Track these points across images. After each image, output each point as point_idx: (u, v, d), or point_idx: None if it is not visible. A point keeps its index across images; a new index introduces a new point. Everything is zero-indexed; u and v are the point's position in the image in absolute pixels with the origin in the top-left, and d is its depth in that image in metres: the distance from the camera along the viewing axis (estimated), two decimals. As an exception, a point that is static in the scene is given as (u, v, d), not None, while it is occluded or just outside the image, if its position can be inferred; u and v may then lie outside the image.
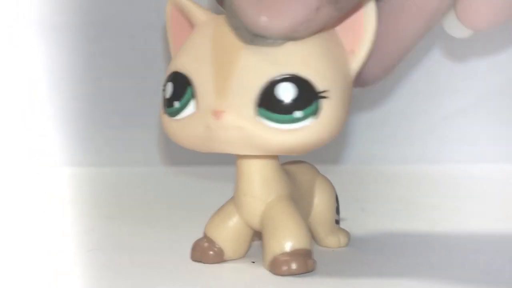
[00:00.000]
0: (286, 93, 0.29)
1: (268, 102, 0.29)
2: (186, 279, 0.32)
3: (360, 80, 0.33)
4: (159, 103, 0.33)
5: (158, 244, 0.38)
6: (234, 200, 0.33)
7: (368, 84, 0.34)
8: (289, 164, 0.35)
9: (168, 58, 0.59)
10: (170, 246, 0.37)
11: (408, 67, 0.60)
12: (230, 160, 0.34)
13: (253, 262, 0.34)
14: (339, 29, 0.31)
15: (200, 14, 0.32)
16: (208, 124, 0.30)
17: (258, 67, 0.29)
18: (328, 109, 0.29)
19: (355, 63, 0.31)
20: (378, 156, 0.60)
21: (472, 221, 0.45)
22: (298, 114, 0.29)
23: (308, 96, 0.29)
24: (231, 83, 0.29)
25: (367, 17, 0.30)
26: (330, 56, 0.30)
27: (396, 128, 0.60)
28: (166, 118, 0.31)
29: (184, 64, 0.31)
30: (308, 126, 0.29)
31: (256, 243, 0.36)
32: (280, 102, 0.29)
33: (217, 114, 0.29)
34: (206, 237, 0.34)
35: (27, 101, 0.59)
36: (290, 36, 0.29)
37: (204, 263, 0.33)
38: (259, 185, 0.32)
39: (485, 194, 0.52)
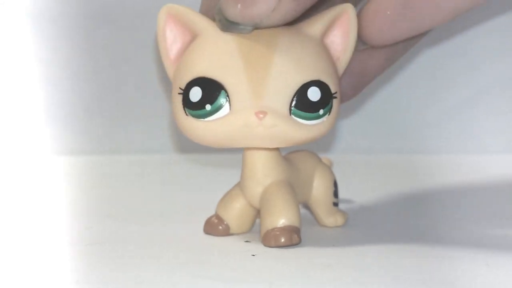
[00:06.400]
0: (315, 94, 0.35)
1: (301, 103, 0.34)
2: (155, 256, 0.36)
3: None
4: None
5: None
6: (240, 184, 0.38)
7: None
8: (293, 153, 0.40)
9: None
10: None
11: (409, 59, 0.60)
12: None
13: (247, 241, 0.38)
14: (328, 41, 0.36)
15: (203, 22, 0.35)
16: (248, 123, 0.34)
17: (291, 73, 0.34)
18: (335, 106, 0.36)
19: (340, 68, 0.37)
20: (379, 147, 0.61)
21: (473, 211, 0.45)
22: (321, 112, 0.35)
23: (327, 97, 0.35)
24: (267, 87, 0.34)
25: (352, 27, 0.36)
26: (332, 64, 0.36)
27: (398, 119, 0.60)
28: (190, 120, 0.35)
29: (210, 70, 0.34)
30: (324, 121, 0.35)
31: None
32: (310, 102, 0.35)
33: (259, 114, 0.34)
34: (216, 215, 0.39)
35: (24, 92, 0.59)
36: (258, 24, 0.34)
37: (214, 235, 0.39)
38: (260, 171, 0.37)
39: (487, 184, 0.52)
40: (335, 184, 0.41)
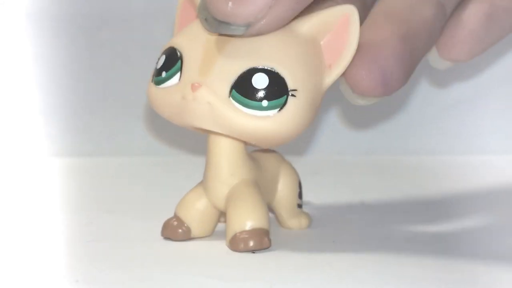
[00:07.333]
0: (260, 82, 0.33)
1: (242, 87, 0.33)
2: (156, 255, 0.36)
3: (386, 87, 0.35)
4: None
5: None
6: (202, 183, 0.37)
7: (393, 90, 0.36)
8: (258, 151, 0.38)
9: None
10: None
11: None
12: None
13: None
14: (323, 44, 0.34)
15: None
16: (184, 95, 0.33)
17: (242, 55, 0.33)
18: (292, 107, 0.33)
19: (330, 77, 0.34)
20: (379, 147, 0.61)
21: (472, 211, 0.45)
22: (265, 103, 0.33)
23: (278, 90, 0.33)
24: (215, 64, 0.33)
25: (351, 36, 0.33)
26: (307, 63, 0.33)
27: (397, 119, 0.60)
28: (152, 86, 0.35)
29: (180, 41, 0.35)
30: (270, 117, 0.33)
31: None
32: (252, 89, 0.33)
33: (194, 86, 0.33)
34: (176, 217, 0.37)
35: (22, 92, 0.59)
36: (252, 23, 0.31)
37: (173, 240, 0.37)
38: (225, 170, 0.35)
39: (487, 185, 0.52)
40: (300, 185, 0.39)
